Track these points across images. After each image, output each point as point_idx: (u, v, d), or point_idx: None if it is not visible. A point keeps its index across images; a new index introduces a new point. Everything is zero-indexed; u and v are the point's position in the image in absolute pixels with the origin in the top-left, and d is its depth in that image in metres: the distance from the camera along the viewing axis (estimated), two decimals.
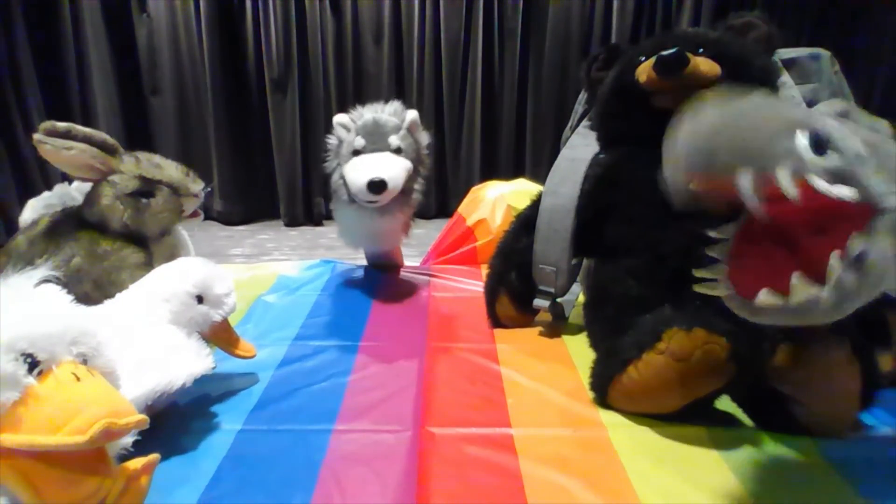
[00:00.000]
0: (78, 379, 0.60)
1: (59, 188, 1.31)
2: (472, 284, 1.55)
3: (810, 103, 1.19)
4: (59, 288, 0.69)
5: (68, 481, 0.57)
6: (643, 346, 0.85)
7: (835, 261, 0.53)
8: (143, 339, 0.83)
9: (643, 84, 1.01)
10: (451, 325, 1.30)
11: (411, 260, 1.79)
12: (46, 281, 0.68)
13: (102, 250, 1.14)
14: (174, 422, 0.90)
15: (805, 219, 0.60)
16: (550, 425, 0.90)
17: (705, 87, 0.98)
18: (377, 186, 1.22)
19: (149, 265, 1.15)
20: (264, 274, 1.64)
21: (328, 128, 1.37)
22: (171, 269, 0.96)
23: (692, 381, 0.83)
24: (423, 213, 3.51)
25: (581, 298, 1.33)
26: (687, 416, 0.88)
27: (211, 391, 1.00)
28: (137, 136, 3.26)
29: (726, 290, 0.66)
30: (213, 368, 0.97)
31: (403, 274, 1.66)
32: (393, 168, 1.26)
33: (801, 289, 0.55)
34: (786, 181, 0.53)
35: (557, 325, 1.27)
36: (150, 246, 1.21)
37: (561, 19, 3.47)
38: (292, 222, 3.55)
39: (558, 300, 1.23)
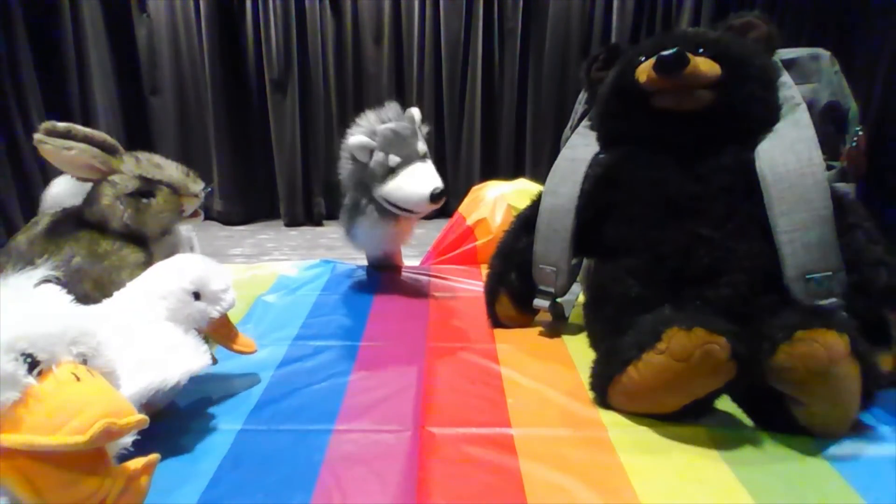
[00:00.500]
0: (78, 379, 0.60)
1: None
2: (472, 284, 1.55)
3: (810, 103, 1.19)
4: (59, 288, 0.69)
5: (68, 481, 0.57)
6: (643, 346, 0.85)
7: None
8: (139, 338, 0.83)
9: (643, 84, 1.01)
10: (451, 325, 1.30)
11: (411, 260, 1.79)
12: (46, 281, 0.68)
13: (103, 250, 1.14)
14: (174, 422, 0.90)
15: None
16: (550, 425, 0.90)
17: (705, 87, 0.99)
18: (439, 196, 1.30)
19: (149, 265, 1.14)
20: (264, 274, 1.64)
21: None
22: (168, 267, 0.95)
23: (692, 381, 0.83)
24: None
25: (581, 298, 1.33)
26: (687, 416, 0.88)
27: (211, 391, 0.99)
28: (137, 136, 3.26)
29: None
30: (213, 364, 0.98)
31: (403, 274, 1.66)
32: (438, 177, 1.33)
33: None
34: None
35: (557, 325, 1.27)
36: (150, 246, 1.21)
37: (561, 19, 3.47)
38: (292, 222, 3.55)
39: (558, 300, 1.23)
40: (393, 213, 1.37)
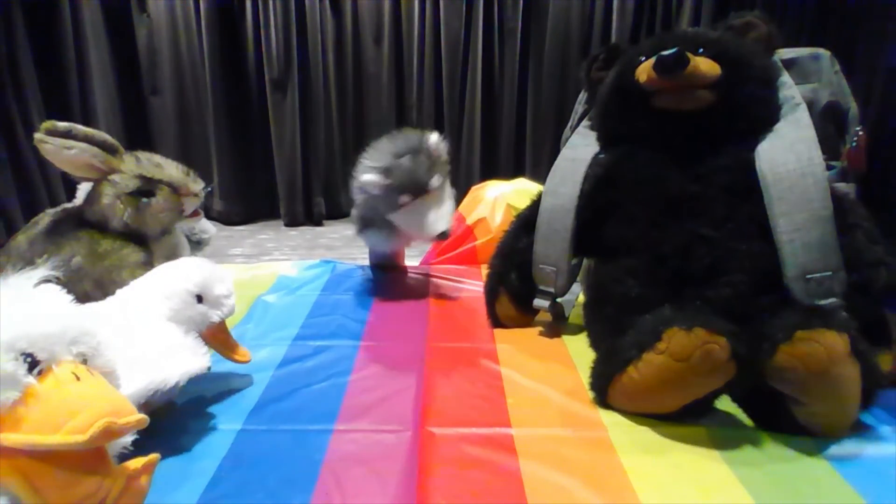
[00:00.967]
0: (78, 378, 0.60)
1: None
2: (472, 284, 1.55)
3: (810, 103, 1.19)
4: (59, 288, 0.69)
5: (68, 481, 0.57)
6: (643, 346, 0.85)
7: None
8: (140, 337, 0.83)
9: (643, 84, 1.01)
10: (451, 325, 1.30)
11: (411, 260, 1.79)
12: (46, 281, 0.68)
13: (103, 249, 1.14)
14: (174, 422, 0.90)
15: None
16: (550, 425, 0.90)
17: (705, 87, 0.99)
18: (441, 237, 1.36)
19: (149, 264, 1.15)
20: (264, 274, 1.64)
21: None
22: (173, 268, 0.96)
23: (692, 381, 0.83)
24: None
25: (581, 298, 1.33)
26: (687, 416, 0.88)
27: (211, 391, 1.00)
28: (137, 136, 3.26)
29: None
30: (209, 368, 0.97)
31: (403, 273, 1.66)
32: (449, 214, 1.35)
33: None
34: None
35: (557, 325, 1.27)
36: (150, 245, 1.21)
37: (561, 19, 3.46)
38: (292, 222, 3.55)
39: (558, 300, 1.23)
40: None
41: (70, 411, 0.56)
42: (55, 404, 0.57)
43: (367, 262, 1.74)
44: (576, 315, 1.31)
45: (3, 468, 0.55)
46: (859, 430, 0.87)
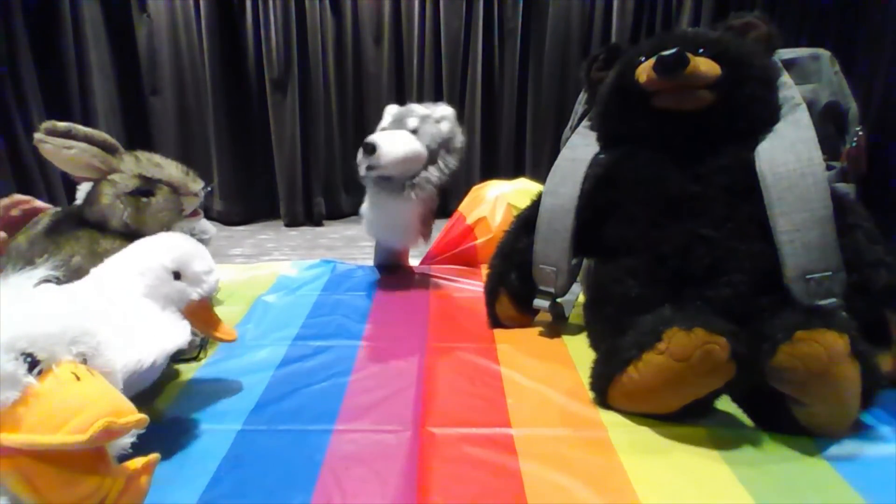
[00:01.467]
0: (78, 378, 0.60)
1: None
2: (472, 284, 1.55)
3: (810, 103, 1.19)
4: (59, 287, 0.68)
5: (68, 481, 0.57)
6: (643, 346, 0.85)
7: None
8: (114, 316, 0.80)
9: (643, 84, 1.01)
10: (451, 325, 1.30)
11: (411, 260, 1.80)
12: (46, 281, 0.68)
13: (102, 249, 1.14)
14: (174, 422, 0.90)
15: None
16: (550, 425, 0.90)
17: (705, 87, 0.99)
18: (368, 148, 1.29)
19: None
20: (264, 274, 1.64)
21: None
22: (149, 243, 0.92)
23: (692, 381, 0.83)
24: None
25: (581, 298, 1.33)
26: (687, 416, 0.88)
27: (211, 391, 0.99)
28: (137, 136, 3.26)
29: None
30: (192, 344, 0.94)
31: (403, 274, 1.66)
32: (392, 139, 1.32)
33: None
34: None
35: (557, 325, 1.27)
36: None
37: (561, 19, 3.47)
38: (292, 222, 3.55)
39: (558, 300, 1.23)
40: (382, 186, 1.38)
41: (70, 411, 0.56)
42: (55, 404, 0.57)
43: (367, 262, 1.74)
44: (576, 315, 1.31)
45: (3, 468, 0.55)
46: (859, 430, 0.87)
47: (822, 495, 0.75)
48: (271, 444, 0.85)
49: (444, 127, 1.41)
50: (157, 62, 3.41)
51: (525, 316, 1.27)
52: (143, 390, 0.83)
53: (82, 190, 1.26)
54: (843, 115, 1.46)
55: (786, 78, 1.07)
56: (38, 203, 1.29)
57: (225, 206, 3.53)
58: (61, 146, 1.10)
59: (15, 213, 1.24)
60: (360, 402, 0.97)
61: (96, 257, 1.13)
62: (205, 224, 1.50)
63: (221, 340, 0.98)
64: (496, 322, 1.28)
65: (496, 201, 1.79)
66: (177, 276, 0.89)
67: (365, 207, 1.53)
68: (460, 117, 3.87)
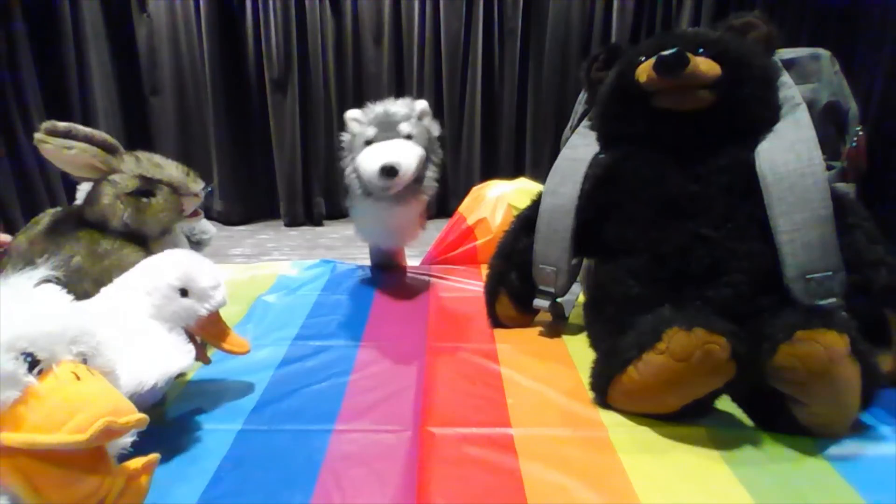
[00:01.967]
0: (78, 378, 0.60)
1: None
2: (472, 284, 1.55)
3: (810, 103, 1.19)
4: (59, 287, 0.68)
5: (68, 480, 0.57)
6: (643, 346, 0.85)
7: None
8: (121, 337, 0.80)
9: (643, 84, 1.01)
10: (451, 325, 1.30)
11: (411, 260, 1.79)
12: (46, 281, 0.68)
13: (103, 249, 1.14)
14: (174, 422, 0.91)
15: None
16: (550, 425, 0.90)
17: (705, 86, 0.99)
18: (389, 171, 1.22)
19: None
20: (264, 274, 1.64)
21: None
22: (154, 262, 0.92)
23: (692, 381, 0.83)
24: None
25: (581, 298, 1.33)
26: (687, 416, 0.88)
27: (211, 391, 1.00)
28: (137, 136, 3.26)
29: None
30: (206, 364, 0.96)
31: (403, 274, 1.66)
32: (404, 153, 1.26)
33: None
34: None
35: (557, 325, 1.27)
36: (150, 245, 1.21)
37: (561, 19, 3.47)
38: (292, 222, 3.55)
39: (558, 300, 1.23)
40: (373, 194, 1.34)
41: (70, 411, 0.56)
42: (55, 404, 0.57)
43: (367, 262, 1.74)
44: (576, 315, 1.31)
45: (4, 467, 0.55)
46: (859, 430, 0.87)
47: (822, 495, 0.75)
48: (271, 444, 0.85)
49: (427, 122, 1.41)
50: (157, 62, 3.41)
51: (525, 316, 1.27)
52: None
53: (82, 190, 1.26)
54: (843, 115, 1.46)
55: (786, 78, 1.07)
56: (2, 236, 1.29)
57: (225, 206, 3.53)
58: (61, 146, 1.10)
59: None
60: (360, 402, 0.97)
61: (96, 257, 1.13)
62: (205, 224, 1.50)
63: (233, 353, 0.97)
64: (496, 322, 1.28)
65: (496, 202, 1.79)
66: (184, 293, 0.89)
67: (359, 215, 1.49)
68: (460, 117, 3.86)
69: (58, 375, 0.59)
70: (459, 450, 0.83)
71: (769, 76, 1.05)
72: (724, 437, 0.86)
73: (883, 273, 0.93)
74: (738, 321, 0.84)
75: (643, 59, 1.04)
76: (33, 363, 0.58)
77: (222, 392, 1.00)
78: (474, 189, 1.96)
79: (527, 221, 1.22)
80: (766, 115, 1.03)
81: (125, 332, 0.82)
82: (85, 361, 0.64)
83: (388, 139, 1.29)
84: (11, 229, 2.18)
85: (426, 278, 1.61)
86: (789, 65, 1.21)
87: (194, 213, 1.27)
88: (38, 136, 1.10)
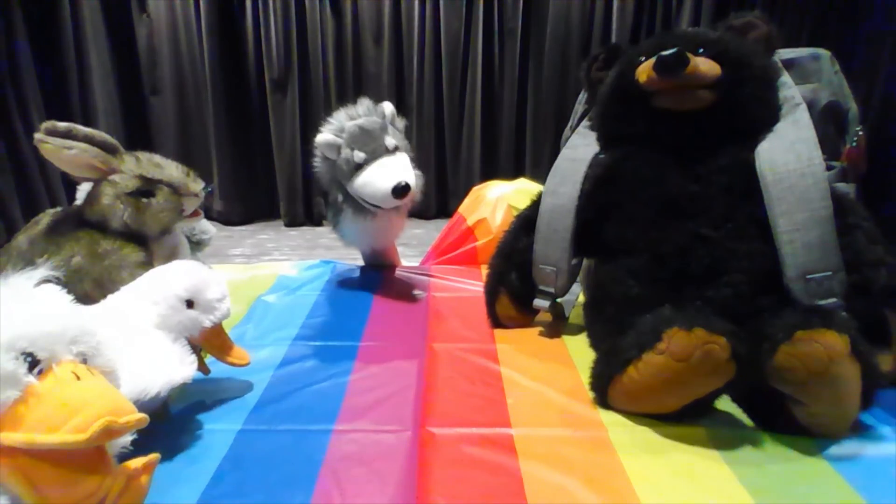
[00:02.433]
0: (78, 378, 0.60)
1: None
2: (472, 284, 1.55)
3: (810, 103, 1.19)
4: (59, 288, 0.68)
5: (68, 480, 0.57)
6: (643, 346, 0.85)
7: None
8: (126, 345, 0.80)
9: (643, 84, 1.01)
10: (451, 325, 1.30)
11: (411, 260, 1.80)
12: (46, 281, 0.68)
13: (103, 249, 1.14)
14: (174, 422, 0.90)
15: None
16: (550, 425, 0.90)
17: (705, 87, 0.99)
18: (403, 191, 1.25)
19: (149, 264, 1.15)
20: (264, 274, 1.64)
21: None
22: (163, 273, 0.93)
23: (692, 381, 0.83)
24: (423, 213, 3.51)
25: (581, 298, 1.33)
26: (687, 416, 0.88)
27: (211, 391, 0.99)
28: (137, 136, 3.26)
29: None
30: (206, 375, 0.96)
31: (403, 274, 1.66)
32: (406, 169, 1.29)
33: None
34: None
35: (557, 325, 1.27)
36: (150, 245, 1.21)
37: (561, 19, 3.46)
38: (292, 222, 3.55)
39: (558, 300, 1.23)
40: (368, 209, 1.36)
41: (70, 410, 0.56)
42: (55, 403, 0.57)
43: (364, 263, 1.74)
44: (576, 315, 1.31)
45: (4, 467, 0.55)
46: (859, 430, 0.87)
47: (822, 495, 0.75)
48: (271, 444, 0.85)
49: (399, 124, 1.41)
50: (157, 62, 3.41)
51: (525, 316, 1.27)
52: None
53: (82, 190, 1.26)
54: (843, 115, 1.46)
55: (786, 78, 1.07)
56: None
57: (225, 206, 3.53)
58: (61, 146, 1.10)
59: None
60: (360, 402, 0.97)
61: (96, 258, 1.13)
62: (205, 224, 1.50)
63: (235, 365, 0.98)
64: (496, 322, 1.28)
65: (496, 202, 1.79)
66: (190, 304, 0.90)
67: (351, 231, 1.49)
68: (460, 117, 3.87)
69: (58, 375, 0.59)
70: (459, 450, 0.83)
71: (769, 76, 1.05)
72: (724, 437, 0.86)
73: (883, 273, 0.93)
74: (738, 321, 0.84)
75: (643, 59, 1.04)
76: (33, 363, 0.58)
77: (222, 392, 1.00)
78: (474, 189, 1.96)
79: (527, 221, 1.22)
80: (766, 115, 1.03)
81: (126, 332, 0.82)
82: (85, 361, 0.64)
83: (375, 156, 1.30)
84: (11, 229, 2.18)
85: (426, 278, 1.61)
86: (789, 65, 1.22)
87: (194, 213, 1.28)
88: (38, 136, 1.10)
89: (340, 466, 0.80)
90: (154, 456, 0.64)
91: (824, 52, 1.45)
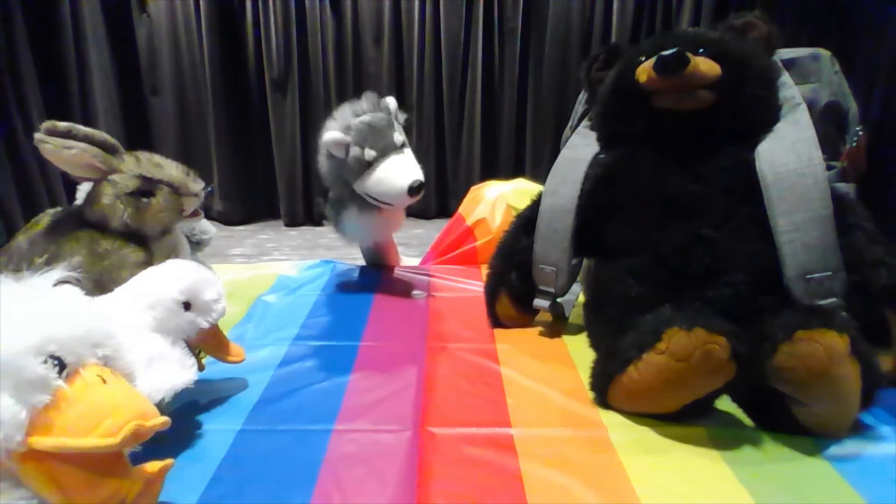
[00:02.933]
0: (104, 381, 0.60)
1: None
2: (472, 284, 1.55)
3: (810, 103, 1.19)
4: (77, 289, 0.68)
5: (91, 482, 0.57)
6: (643, 346, 0.85)
7: None
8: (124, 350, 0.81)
9: (643, 84, 1.01)
10: (451, 325, 1.30)
11: (411, 260, 1.80)
12: (65, 282, 0.68)
13: (103, 249, 1.14)
14: (174, 422, 0.90)
15: None
16: (550, 425, 0.90)
17: (705, 86, 0.99)
18: (418, 189, 1.28)
19: (149, 264, 1.14)
20: (264, 274, 1.64)
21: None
22: (158, 274, 0.91)
23: (692, 381, 0.83)
24: (423, 213, 3.51)
25: (581, 298, 1.33)
26: (687, 416, 0.88)
27: (211, 391, 1.00)
28: (137, 136, 3.26)
29: None
30: (200, 371, 0.96)
31: (403, 274, 1.66)
32: (418, 166, 1.32)
33: None
34: None
35: (557, 325, 1.27)
36: (150, 245, 1.21)
37: (561, 19, 3.46)
38: (292, 222, 3.55)
39: (558, 300, 1.23)
40: (375, 205, 1.37)
41: (100, 414, 0.56)
42: (85, 407, 0.57)
43: (363, 261, 1.74)
44: (576, 315, 1.31)
45: (32, 469, 0.55)
46: (859, 430, 0.87)
47: (822, 495, 0.75)
48: (271, 444, 0.86)
49: (401, 118, 1.42)
50: (157, 62, 3.41)
51: (525, 316, 1.27)
52: None
53: (82, 190, 1.26)
54: (843, 115, 1.46)
55: (786, 78, 1.07)
56: None
57: (225, 206, 3.52)
58: (61, 146, 1.10)
59: None
60: (360, 402, 0.97)
61: (96, 257, 1.13)
62: (205, 224, 1.50)
63: (232, 362, 0.98)
64: (496, 322, 1.28)
65: (496, 202, 1.79)
66: (186, 306, 0.89)
67: (351, 222, 1.49)
68: (460, 117, 3.86)
69: (85, 379, 0.59)
70: (459, 450, 0.83)
71: (769, 76, 1.05)
72: (724, 437, 0.86)
73: (883, 273, 0.93)
74: (738, 321, 0.84)
75: (643, 59, 1.04)
76: (61, 367, 0.58)
77: (222, 392, 1.00)
78: (472, 189, 1.96)
79: (527, 221, 1.22)
80: (767, 115, 1.03)
81: (129, 345, 0.81)
82: (106, 364, 0.64)
83: (385, 153, 1.31)
84: (11, 229, 2.18)
85: (426, 278, 1.61)
86: (789, 65, 1.22)
87: (194, 213, 1.27)
88: (38, 136, 1.10)
89: (340, 466, 0.80)
90: (169, 461, 0.64)
91: (824, 52, 1.45)
